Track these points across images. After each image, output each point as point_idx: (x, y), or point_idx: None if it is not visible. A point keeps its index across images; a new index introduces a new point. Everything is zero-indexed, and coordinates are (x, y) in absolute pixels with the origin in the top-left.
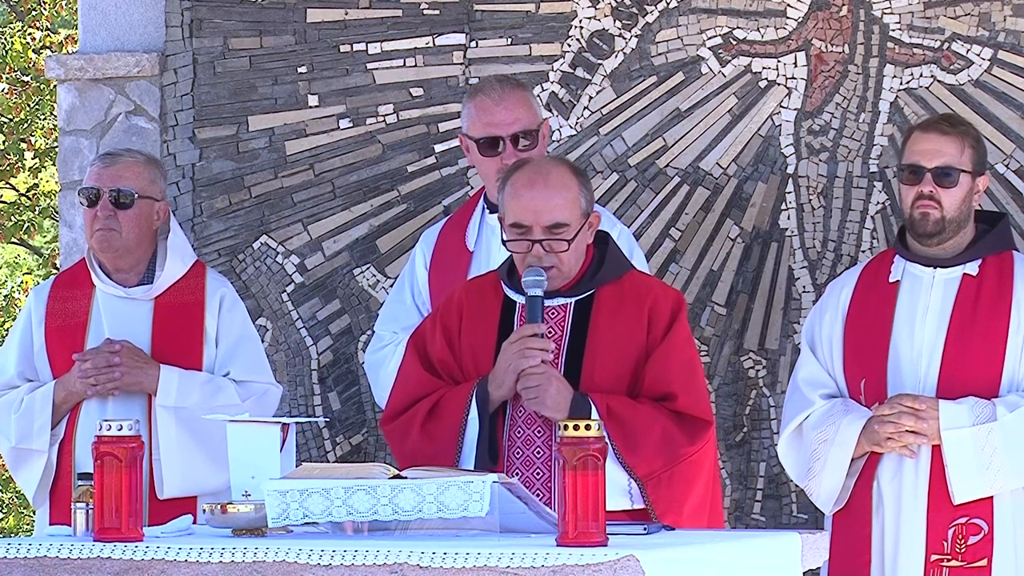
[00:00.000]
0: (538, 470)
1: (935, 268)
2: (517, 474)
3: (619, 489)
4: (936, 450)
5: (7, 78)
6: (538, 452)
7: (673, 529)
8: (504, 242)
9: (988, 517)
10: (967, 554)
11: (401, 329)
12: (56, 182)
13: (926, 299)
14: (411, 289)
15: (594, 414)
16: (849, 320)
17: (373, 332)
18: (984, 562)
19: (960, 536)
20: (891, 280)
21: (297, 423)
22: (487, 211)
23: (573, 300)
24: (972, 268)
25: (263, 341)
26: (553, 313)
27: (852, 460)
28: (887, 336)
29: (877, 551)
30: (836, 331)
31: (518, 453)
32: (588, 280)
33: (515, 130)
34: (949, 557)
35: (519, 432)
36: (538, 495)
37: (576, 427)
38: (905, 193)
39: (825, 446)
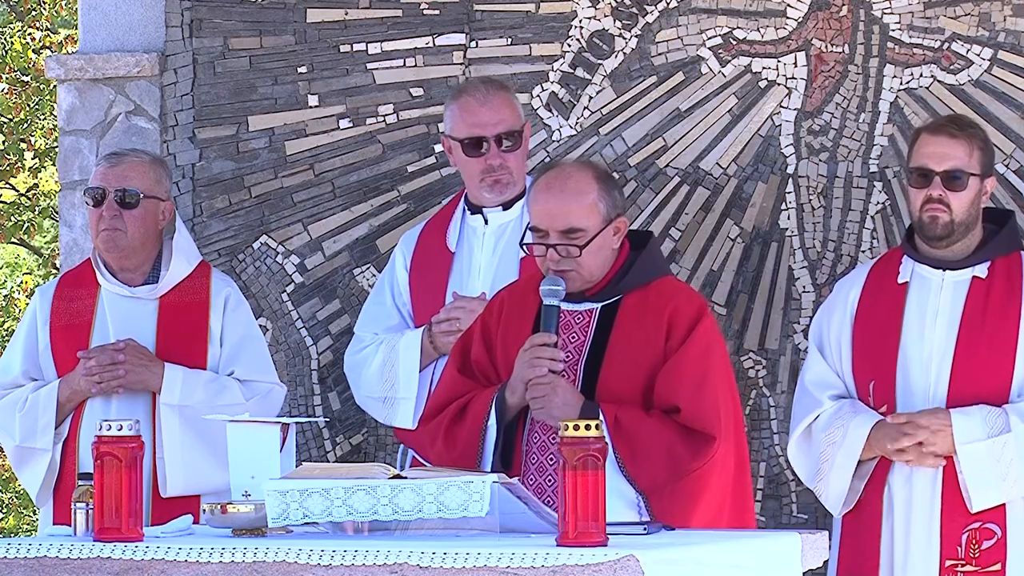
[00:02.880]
0: (550, 477)
1: (944, 270)
2: (531, 479)
3: (627, 502)
4: (949, 456)
5: (7, 78)
6: (551, 459)
7: (673, 529)
8: (522, 244)
9: (1001, 522)
10: (981, 559)
11: (382, 330)
12: (56, 182)
13: (935, 302)
14: (391, 291)
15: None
16: (858, 321)
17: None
18: (998, 567)
19: (974, 541)
20: (900, 281)
21: (297, 423)
22: (468, 212)
23: (599, 306)
24: (981, 271)
25: (264, 339)
26: (579, 318)
27: (861, 462)
28: (896, 339)
29: (887, 555)
30: (844, 332)
31: (533, 459)
32: (615, 285)
33: (499, 131)
34: (963, 562)
35: (536, 438)
36: (549, 501)
37: (576, 427)
38: (913, 196)
39: (833, 448)
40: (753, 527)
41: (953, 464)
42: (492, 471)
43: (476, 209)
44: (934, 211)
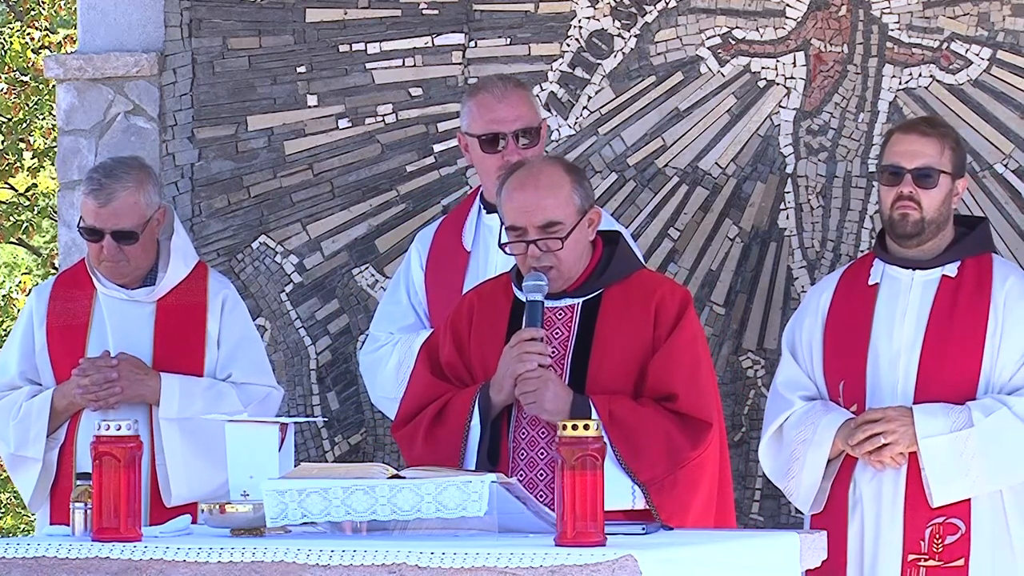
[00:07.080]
0: (541, 471)
1: (914, 270)
2: (521, 475)
3: (623, 489)
4: (912, 453)
5: (6, 78)
6: (542, 453)
7: (672, 529)
8: (501, 245)
9: (966, 517)
10: (944, 553)
11: (397, 329)
12: (55, 181)
13: (904, 301)
14: (407, 289)
15: (594, 417)
16: (829, 323)
17: (368, 333)
18: (961, 562)
19: (937, 536)
20: (870, 283)
21: (295, 423)
22: (484, 211)
23: (580, 301)
24: (951, 270)
25: (262, 341)
26: (560, 314)
27: (829, 461)
28: (866, 338)
29: (855, 551)
30: (816, 335)
31: (522, 454)
32: (595, 280)
33: (517, 127)
34: (926, 556)
35: (523, 433)
36: (541, 496)
37: (575, 427)
38: (885, 194)
39: (804, 446)
40: (732, 518)
41: (917, 459)
42: (476, 470)
43: (492, 208)
44: (904, 208)
